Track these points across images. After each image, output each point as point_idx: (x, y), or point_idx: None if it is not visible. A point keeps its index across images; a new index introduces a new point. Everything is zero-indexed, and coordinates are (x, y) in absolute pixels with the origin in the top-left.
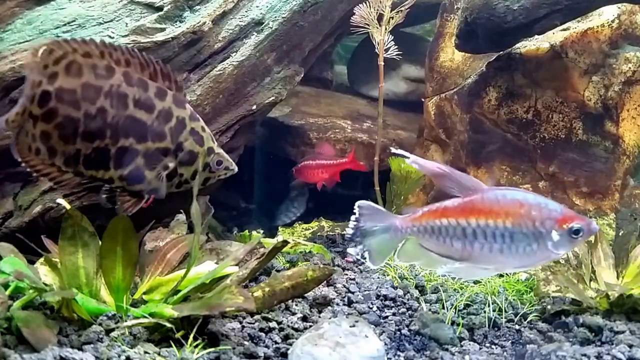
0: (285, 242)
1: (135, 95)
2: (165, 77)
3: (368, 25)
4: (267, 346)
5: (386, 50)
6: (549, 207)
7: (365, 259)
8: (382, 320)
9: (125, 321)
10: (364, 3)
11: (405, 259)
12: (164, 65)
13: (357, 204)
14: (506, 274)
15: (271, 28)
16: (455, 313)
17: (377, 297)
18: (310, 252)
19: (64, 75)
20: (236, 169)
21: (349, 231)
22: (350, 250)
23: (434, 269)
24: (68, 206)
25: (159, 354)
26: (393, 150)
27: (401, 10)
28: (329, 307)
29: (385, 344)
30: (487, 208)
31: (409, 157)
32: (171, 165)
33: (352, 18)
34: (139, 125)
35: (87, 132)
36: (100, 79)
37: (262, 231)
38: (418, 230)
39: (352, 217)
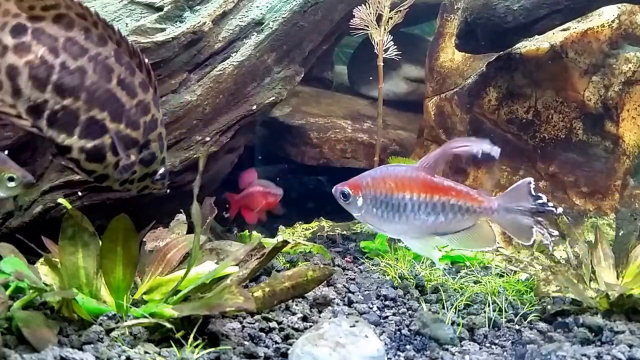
0: (285, 242)
1: (121, 75)
2: (148, 74)
3: (367, 26)
4: (267, 346)
5: (386, 50)
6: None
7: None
8: (382, 320)
9: (126, 321)
10: (363, 4)
11: None
12: (147, 62)
13: None
14: (506, 274)
15: (271, 28)
16: (455, 313)
17: (377, 297)
18: (310, 252)
19: (49, 21)
20: (166, 191)
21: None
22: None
23: None
24: (69, 206)
25: (159, 354)
26: None
27: (400, 11)
28: (329, 307)
29: (386, 344)
30: None
31: None
32: (133, 158)
33: (351, 20)
34: (117, 105)
35: (61, 84)
36: (89, 42)
37: (262, 231)
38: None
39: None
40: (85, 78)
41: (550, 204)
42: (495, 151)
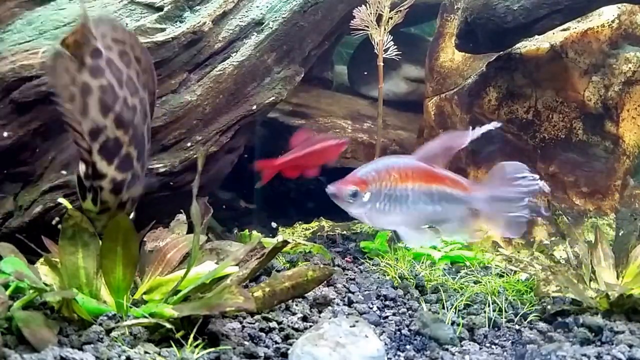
0: (285, 242)
1: (148, 120)
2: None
3: (367, 26)
4: (267, 346)
5: (386, 50)
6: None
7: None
8: (382, 320)
9: (126, 321)
10: (363, 4)
11: None
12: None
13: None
14: (506, 274)
15: (271, 28)
16: (455, 313)
17: (377, 297)
18: (310, 252)
19: (116, 54)
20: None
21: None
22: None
23: None
24: (69, 206)
25: (159, 354)
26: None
27: (400, 11)
28: (329, 307)
29: (386, 344)
30: None
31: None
32: (132, 194)
33: (352, 22)
34: (143, 145)
35: (120, 116)
36: (139, 85)
37: (275, 225)
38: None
39: None
40: (135, 117)
41: (533, 176)
42: (494, 125)
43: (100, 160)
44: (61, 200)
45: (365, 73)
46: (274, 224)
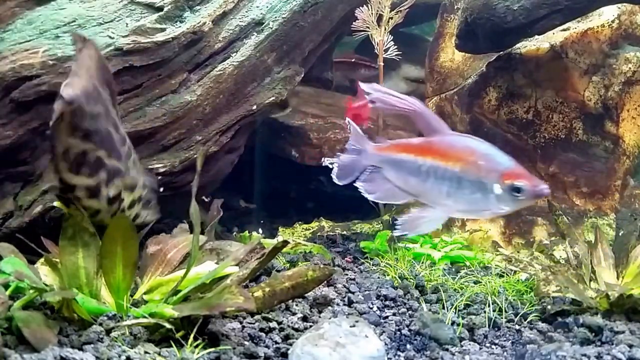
0: (285, 242)
1: (109, 108)
2: (112, 94)
3: (367, 27)
4: (267, 346)
5: (386, 50)
6: (496, 160)
7: (332, 171)
8: (382, 320)
9: (126, 321)
10: (364, 4)
11: (368, 187)
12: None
13: (347, 120)
14: (506, 274)
15: (271, 28)
16: (455, 313)
17: (377, 297)
18: (310, 252)
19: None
20: (154, 219)
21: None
22: (325, 159)
23: (391, 201)
24: (65, 209)
25: (159, 354)
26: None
27: (400, 11)
28: (329, 307)
29: (386, 344)
30: (442, 150)
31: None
32: (119, 186)
33: (354, 23)
34: (110, 140)
35: (87, 132)
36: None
37: (261, 231)
38: (382, 159)
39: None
40: (99, 122)
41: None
42: None
43: (67, 172)
44: (56, 203)
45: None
46: (262, 222)
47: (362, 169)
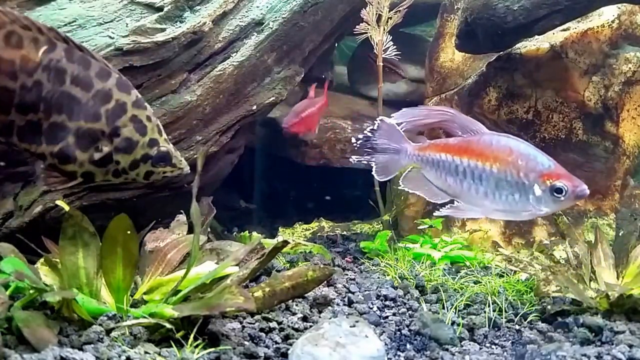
0: (285, 243)
1: (74, 72)
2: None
3: (368, 27)
4: (267, 346)
5: (385, 50)
6: (537, 160)
7: (372, 170)
8: (382, 320)
9: (126, 321)
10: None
11: (409, 185)
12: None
13: (379, 119)
14: (506, 274)
15: (271, 28)
16: (455, 313)
17: (377, 297)
18: (310, 252)
19: (2, 45)
20: (187, 170)
21: (359, 141)
22: (353, 157)
23: (432, 199)
24: (67, 207)
25: (159, 354)
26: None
27: (399, 11)
28: (329, 307)
29: (386, 344)
30: (479, 150)
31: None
32: (105, 149)
33: (357, 27)
34: (72, 102)
35: (22, 104)
36: (39, 52)
37: (262, 231)
38: (422, 159)
39: (367, 129)
40: (42, 89)
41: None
42: None
43: (29, 145)
44: (59, 202)
45: (368, 76)
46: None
47: (402, 167)
